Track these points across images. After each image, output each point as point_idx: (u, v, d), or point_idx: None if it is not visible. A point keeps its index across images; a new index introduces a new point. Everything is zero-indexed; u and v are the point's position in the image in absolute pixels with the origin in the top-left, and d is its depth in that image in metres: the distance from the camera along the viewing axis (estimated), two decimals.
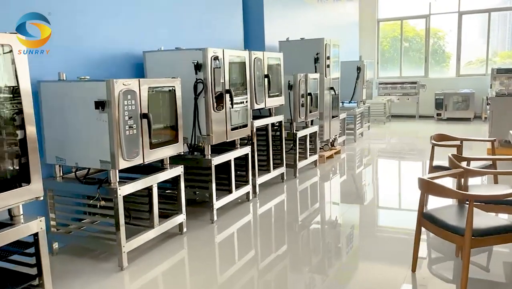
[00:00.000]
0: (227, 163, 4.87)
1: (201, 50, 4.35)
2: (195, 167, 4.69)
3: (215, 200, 4.61)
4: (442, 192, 2.75)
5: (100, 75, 4.27)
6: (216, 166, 4.67)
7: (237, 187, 5.14)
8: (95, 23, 4.36)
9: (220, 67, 4.51)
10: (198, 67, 4.35)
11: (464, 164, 3.74)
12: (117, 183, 3.53)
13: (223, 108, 4.58)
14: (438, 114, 12.67)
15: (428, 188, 2.89)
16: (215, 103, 4.47)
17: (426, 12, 13.47)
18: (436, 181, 3.00)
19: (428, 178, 3.06)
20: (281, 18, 8.10)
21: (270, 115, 6.00)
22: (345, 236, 4.69)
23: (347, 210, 5.66)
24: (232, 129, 4.83)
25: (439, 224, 2.98)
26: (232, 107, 4.71)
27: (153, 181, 3.84)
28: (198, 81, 4.38)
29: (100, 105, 3.36)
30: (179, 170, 4.19)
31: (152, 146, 3.75)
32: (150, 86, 3.73)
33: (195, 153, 4.67)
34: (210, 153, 4.57)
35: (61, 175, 3.84)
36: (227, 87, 4.64)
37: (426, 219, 3.10)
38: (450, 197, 2.78)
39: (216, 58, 4.45)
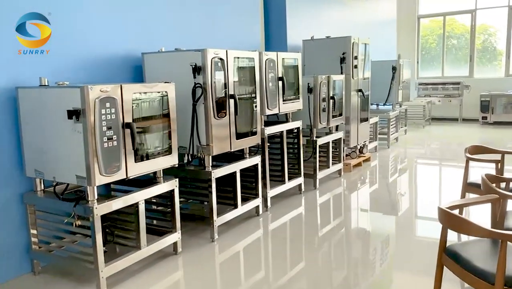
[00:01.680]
0: (232, 175, 4.42)
1: (199, 51, 3.92)
2: (196, 179, 4.28)
3: (216, 216, 4.17)
4: (465, 228, 2.18)
5: (93, 79, 3.97)
6: (220, 178, 4.25)
7: (245, 200, 4.70)
8: (91, 23, 4.03)
9: (222, 70, 4.07)
10: (196, 70, 3.93)
11: (503, 185, 3.12)
12: (95, 201, 3.16)
13: (226, 115, 4.14)
14: (484, 118, 11.68)
15: (449, 221, 2.32)
16: (216, 110, 4.03)
17: (472, 6, 12.47)
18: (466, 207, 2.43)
19: (452, 206, 2.49)
20: (306, 15, 7.56)
21: (287, 121, 5.50)
22: (373, 252, 4.22)
23: (375, 224, 5.14)
24: (238, 138, 4.38)
25: (464, 264, 2.40)
26: (237, 114, 4.25)
27: (139, 197, 3.45)
28: (196, 85, 3.96)
29: (74, 114, 3.00)
30: (173, 184, 3.78)
31: (138, 159, 3.36)
32: (136, 92, 3.35)
33: (192, 164, 4.26)
34: (211, 164, 4.14)
35: (42, 188, 3.53)
36: (231, 92, 4.19)
37: (449, 257, 2.53)
38: (476, 235, 2.20)
39: (218, 60, 4.01)
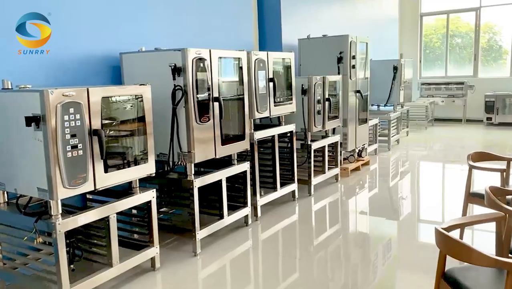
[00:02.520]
0: (218, 183, 4.13)
1: (179, 50, 3.63)
2: (178, 188, 3.99)
3: (199, 228, 3.88)
4: (466, 255, 1.88)
5: (67, 81, 3.70)
6: (204, 187, 3.95)
7: (233, 209, 4.41)
8: (66, 19, 3.75)
9: (205, 71, 3.78)
10: (176, 71, 3.63)
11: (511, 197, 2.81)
12: (59, 216, 2.87)
13: (209, 119, 3.84)
14: (488, 119, 11.32)
15: (447, 246, 2.02)
16: (198, 114, 3.73)
17: (477, 4, 12.11)
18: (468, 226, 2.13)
19: (451, 227, 2.19)
20: (302, 13, 7.26)
21: (279, 124, 5.20)
22: (373, 261, 3.98)
23: (374, 230, 4.90)
24: (224, 143, 4.09)
25: None
26: (222, 118, 3.96)
27: (109, 211, 3.16)
28: (176, 87, 3.67)
29: (33, 121, 2.72)
30: (150, 195, 3.49)
31: (108, 168, 3.08)
32: (106, 96, 3.06)
33: (177, 171, 3.97)
34: (193, 172, 3.84)
35: (6, 201, 3.24)
36: (215, 95, 3.90)
37: (448, 283, 2.22)
38: (479, 264, 1.90)
39: (200, 60, 3.72)
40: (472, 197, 3.70)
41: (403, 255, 4.14)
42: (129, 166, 3.27)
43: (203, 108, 3.77)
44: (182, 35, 4.87)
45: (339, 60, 6.39)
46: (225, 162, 4.40)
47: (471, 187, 3.80)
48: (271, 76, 4.76)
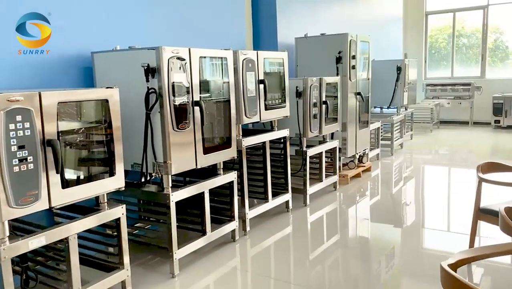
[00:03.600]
0: (200, 196, 3.74)
1: (154, 49, 3.25)
2: (154, 202, 3.61)
3: (176, 248, 3.48)
4: None
5: (31, 84, 3.33)
6: (184, 201, 3.57)
7: (220, 223, 4.03)
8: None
9: (184, 72, 3.39)
10: (150, 72, 3.25)
11: None
12: (6, 240, 2.49)
13: (188, 125, 3.46)
14: (496, 122, 10.87)
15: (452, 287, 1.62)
16: (176, 120, 3.34)
17: (484, 2, 11.65)
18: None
19: (459, 261, 1.79)
20: (300, 11, 6.86)
21: (272, 129, 4.81)
22: (375, 273, 3.70)
23: (376, 240, 4.59)
24: (207, 152, 3.70)
25: None
26: (204, 124, 3.57)
27: (68, 232, 2.78)
28: (150, 90, 3.29)
29: None
30: (118, 211, 3.10)
31: (67, 183, 2.70)
32: (63, 101, 2.68)
33: (149, 184, 3.59)
34: (170, 184, 3.45)
35: None
36: (196, 98, 3.51)
37: None
38: None
39: (177, 59, 3.33)
40: (482, 214, 3.29)
41: (407, 265, 3.84)
42: (93, 180, 2.89)
43: (182, 114, 3.39)
44: (162, 33, 4.49)
45: (338, 60, 5.99)
46: (211, 171, 4.02)
47: (480, 201, 3.38)
48: (261, 77, 4.37)
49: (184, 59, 3.38)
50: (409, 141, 9.46)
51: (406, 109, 9.05)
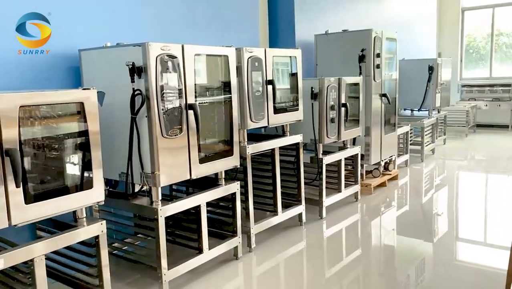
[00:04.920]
0: (196, 210, 3.35)
1: (140, 46, 2.88)
2: (142, 216, 3.25)
3: (166, 268, 3.10)
4: None
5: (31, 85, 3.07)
6: (179, 215, 3.20)
7: (222, 238, 3.64)
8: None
9: (176, 72, 3.01)
10: (135, 71, 2.89)
11: None
12: None
13: (181, 132, 3.07)
14: None
15: None
16: (165, 125, 2.97)
17: None
18: None
19: None
20: (321, 6, 6.38)
21: (283, 134, 4.38)
22: None
23: (402, 256, 4.17)
24: (204, 161, 3.31)
25: None
26: (199, 130, 3.18)
27: (38, 251, 2.43)
28: (135, 92, 2.92)
29: None
30: (97, 228, 2.75)
31: (34, 198, 2.37)
32: (26, 105, 2.34)
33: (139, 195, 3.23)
34: (160, 197, 3.08)
35: None
36: (190, 101, 3.13)
37: None
38: None
39: (168, 57, 2.95)
40: None
41: (439, 282, 3.49)
42: (64, 193, 2.54)
43: (172, 118, 3.01)
44: (163, 30, 4.14)
45: (361, 58, 5.49)
46: (212, 180, 3.64)
47: None
48: (270, 77, 3.94)
49: (175, 57, 3.00)
50: (442, 146, 8.82)
51: (438, 111, 8.44)
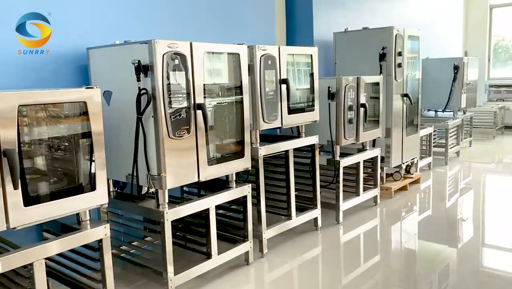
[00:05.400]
0: (205, 213, 3.24)
1: (146, 43, 2.78)
2: (150, 219, 3.16)
3: (172, 273, 3.00)
4: None
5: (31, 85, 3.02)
6: (188, 218, 3.10)
7: (233, 242, 3.52)
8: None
9: (184, 70, 2.90)
10: (141, 70, 2.79)
11: None
12: None
13: (189, 132, 2.96)
14: None
15: None
16: (172, 126, 2.86)
17: None
18: None
19: None
20: (339, 2, 6.20)
21: (298, 135, 4.23)
22: None
23: (424, 263, 3.95)
24: (213, 162, 3.19)
25: None
26: (208, 131, 3.06)
27: (36, 255, 2.36)
28: (141, 92, 2.83)
29: None
30: (101, 232, 2.66)
31: (32, 200, 2.29)
32: (25, 104, 2.27)
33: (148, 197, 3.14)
34: (166, 200, 2.98)
35: None
36: (199, 101, 3.02)
37: None
38: None
39: (175, 56, 2.85)
40: None
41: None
42: (66, 196, 2.46)
43: (180, 118, 2.90)
44: (175, 28, 4.04)
45: (382, 57, 5.28)
46: (223, 182, 3.53)
47: None
48: (284, 76, 3.80)
49: (183, 55, 2.89)
50: (467, 148, 8.49)
51: (464, 112, 8.14)
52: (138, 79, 2.80)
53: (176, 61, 2.85)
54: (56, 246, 2.48)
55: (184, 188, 4.02)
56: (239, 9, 4.79)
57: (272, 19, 5.29)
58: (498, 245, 4.32)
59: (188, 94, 2.93)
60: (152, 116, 2.83)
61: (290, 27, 5.71)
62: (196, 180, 3.08)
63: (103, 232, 2.67)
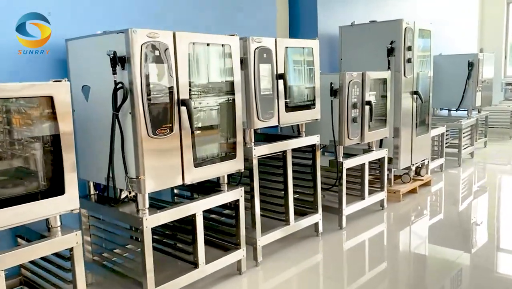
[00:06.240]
0: (191, 219, 2.98)
1: (122, 32, 2.53)
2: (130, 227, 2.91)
3: (153, 285, 2.74)
4: None
5: None
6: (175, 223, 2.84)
7: (225, 250, 3.27)
8: None
9: (165, 62, 2.65)
10: (117, 61, 2.54)
11: None
12: None
13: (171, 131, 2.70)
14: None
15: None
16: (153, 124, 2.61)
17: None
18: None
19: None
20: None
21: (298, 135, 3.96)
22: None
23: (435, 269, 3.69)
24: (200, 164, 2.93)
25: None
26: (194, 130, 2.80)
27: None
28: (118, 86, 2.58)
29: None
30: (72, 239, 2.41)
31: None
32: None
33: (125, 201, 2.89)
34: (146, 205, 2.72)
35: None
36: (184, 96, 2.76)
37: None
38: None
39: (155, 46, 2.59)
40: None
41: None
42: (30, 200, 2.22)
43: (161, 115, 2.64)
44: (167, 19, 3.79)
45: (390, 52, 4.96)
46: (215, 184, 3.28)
47: None
48: (281, 71, 3.52)
49: (166, 46, 2.63)
50: (482, 149, 8.11)
51: (479, 112, 7.79)
52: (114, 72, 2.55)
53: (157, 53, 2.60)
54: (18, 256, 2.24)
55: (174, 191, 3.77)
56: (237, 2, 4.52)
57: (273, 12, 5.00)
58: None
59: (171, 89, 2.67)
60: (130, 113, 2.58)
61: (294, 22, 5.43)
62: (181, 183, 2.82)
63: (74, 239, 2.42)
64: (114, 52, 2.52)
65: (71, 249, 2.43)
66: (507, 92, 10.24)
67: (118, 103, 2.57)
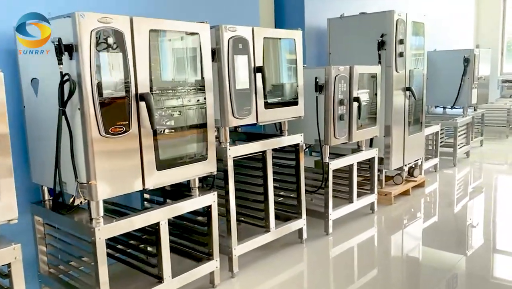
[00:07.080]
0: (155, 229, 2.66)
1: (69, 17, 2.21)
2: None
3: None
4: None
5: None
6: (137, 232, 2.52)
7: (198, 260, 2.95)
8: None
9: (121, 52, 2.33)
10: (63, 50, 2.22)
11: None
12: None
13: (127, 129, 2.38)
14: None
15: None
16: (105, 121, 2.28)
17: None
18: None
19: None
20: None
21: (281, 134, 3.65)
22: None
23: (429, 274, 3.49)
24: (163, 167, 2.61)
25: None
26: (154, 127, 2.48)
27: None
28: (64, 78, 2.26)
29: None
30: (10, 254, 2.09)
31: None
32: None
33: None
34: (101, 214, 2.40)
35: None
36: (143, 90, 2.44)
37: None
38: None
39: (108, 34, 2.27)
40: None
41: None
42: None
43: (115, 112, 2.32)
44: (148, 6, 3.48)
45: (381, 45, 4.66)
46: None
47: None
48: (259, 64, 3.20)
49: (120, 33, 2.32)
50: (478, 148, 7.88)
51: (475, 109, 7.53)
52: (60, 63, 2.23)
53: (110, 40, 2.27)
54: None
55: (144, 196, 3.46)
56: None
57: (256, 3, 4.69)
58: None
59: (127, 82, 2.35)
60: (79, 109, 2.26)
61: (279, 15, 5.12)
62: (140, 188, 2.50)
63: (11, 254, 2.10)
64: (59, 40, 2.20)
65: (9, 265, 2.11)
66: (504, 89, 10.01)
67: (65, 97, 2.25)
